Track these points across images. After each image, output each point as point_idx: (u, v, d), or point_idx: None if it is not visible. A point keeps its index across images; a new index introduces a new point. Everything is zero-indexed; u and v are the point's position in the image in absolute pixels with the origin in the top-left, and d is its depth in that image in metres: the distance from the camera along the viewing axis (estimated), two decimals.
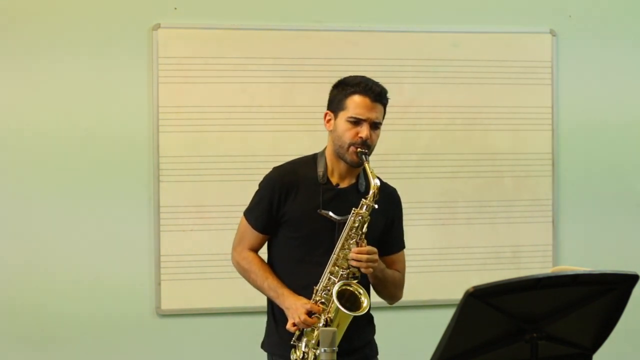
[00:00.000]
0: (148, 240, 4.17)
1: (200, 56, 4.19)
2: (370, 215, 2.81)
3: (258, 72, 4.22)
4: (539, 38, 4.48)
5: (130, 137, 4.16)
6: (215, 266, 4.13)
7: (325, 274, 2.83)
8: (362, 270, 2.80)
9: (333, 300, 2.77)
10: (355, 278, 2.83)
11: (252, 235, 2.98)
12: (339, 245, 2.82)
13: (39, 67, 4.10)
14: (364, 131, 2.80)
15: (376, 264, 2.82)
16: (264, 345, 3.03)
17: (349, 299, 2.82)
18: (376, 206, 2.80)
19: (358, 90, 2.83)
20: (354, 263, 2.79)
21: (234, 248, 3.04)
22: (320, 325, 2.77)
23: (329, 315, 2.78)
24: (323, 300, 2.82)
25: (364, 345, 2.98)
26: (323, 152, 2.95)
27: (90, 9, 4.14)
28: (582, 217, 4.54)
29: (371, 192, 2.80)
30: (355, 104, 2.82)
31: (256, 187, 3.01)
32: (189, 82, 4.18)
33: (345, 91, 2.85)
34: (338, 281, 2.81)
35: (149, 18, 4.16)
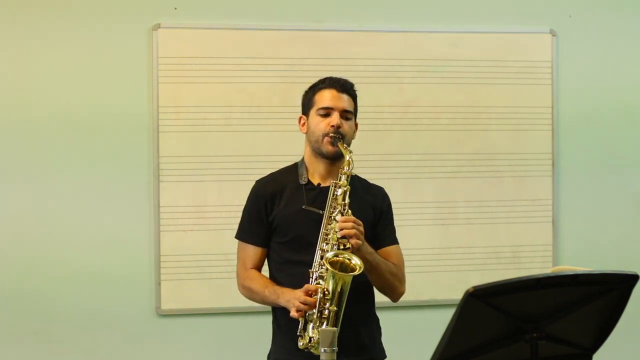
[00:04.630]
0: (148, 240, 4.17)
1: (200, 56, 4.19)
2: (350, 184, 2.85)
3: (258, 72, 4.22)
4: (539, 38, 4.48)
5: (130, 137, 4.16)
6: (215, 266, 4.13)
7: (317, 254, 2.85)
8: (351, 242, 2.79)
9: (328, 269, 2.76)
10: (346, 249, 2.83)
11: (251, 253, 3.00)
12: (325, 216, 2.85)
13: (39, 66, 4.11)
14: (334, 119, 2.90)
15: (363, 235, 2.81)
16: (270, 355, 3.03)
17: (341, 269, 2.81)
18: (354, 172, 2.89)
19: (324, 85, 2.98)
20: (341, 233, 2.80)
21: (238, 276, 3.04)
22: (319, 296, 2.76)
23: (327, 287, 2.77)
24: (319, 281, 2.81)
25: (370, 343, 2.98)
26: (302, 159, 3.02)
27: (90, 9, 4.14)
28: (582, 217, 4.54)
29: (346, 159, 2.88)
30: (323, 97, 2.96)
31: None
32: (189, 82, 4.18)
33: (313, 90, 3.01)
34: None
35: (149, 18, 4.16)
